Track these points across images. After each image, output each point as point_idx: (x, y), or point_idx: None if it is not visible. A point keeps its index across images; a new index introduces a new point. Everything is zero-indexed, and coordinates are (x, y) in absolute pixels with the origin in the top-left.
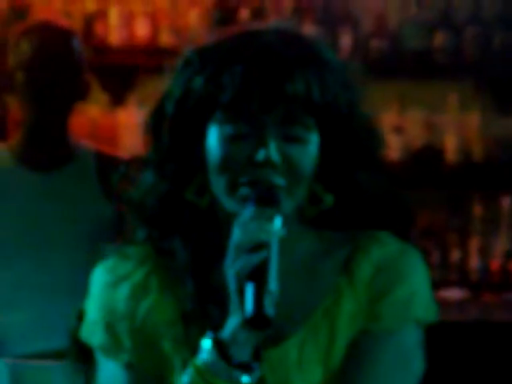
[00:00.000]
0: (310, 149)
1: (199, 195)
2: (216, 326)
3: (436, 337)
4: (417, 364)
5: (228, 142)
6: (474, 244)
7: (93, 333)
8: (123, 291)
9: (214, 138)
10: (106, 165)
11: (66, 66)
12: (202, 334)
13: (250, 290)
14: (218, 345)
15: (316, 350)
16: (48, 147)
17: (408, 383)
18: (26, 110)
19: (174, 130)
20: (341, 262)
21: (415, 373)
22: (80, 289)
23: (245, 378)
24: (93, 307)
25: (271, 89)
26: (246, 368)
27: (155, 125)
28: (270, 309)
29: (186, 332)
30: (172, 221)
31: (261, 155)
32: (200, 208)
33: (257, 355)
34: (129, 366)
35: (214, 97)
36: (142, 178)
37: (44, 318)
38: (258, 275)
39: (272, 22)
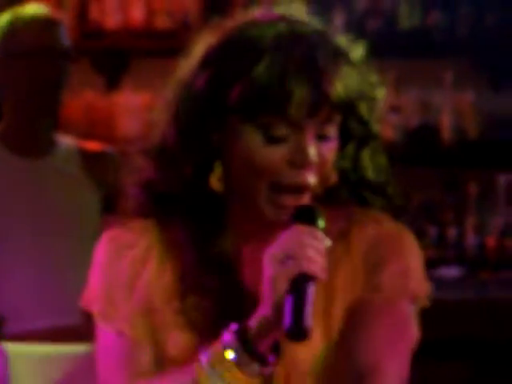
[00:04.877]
0: (335, 143)
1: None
2: (222, 303)
3: (432, 315)
4: (412, 333)
5: (268, 144)
6: (470, 222)
7: (93, 300)
8: (124, 260)
9: (252, 140)
10: (89, 157)
11: (60, 59)
12: (198, 306)
13: (290, 302)
14: (242, 333)
15: (316, 315)
16: (33, 134)
17: (403, 350)
18: (16, 99)
19: (202, 117)
20: (337, 235)
21: (410, 341)
22: (71, 268)
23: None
24: (95, 275)
25: (317, 94)
26: (262, 360)
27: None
28: (308, 321)
29: (182, 303)
30: (182, 200)
31: (302, 158)
32: (216, 193)
33: (276, 349)
34: (123, 335)
35: (255, 101)
36: (160, 161)
37: (38, 297)
38: (299, 289)
39: (281, 10)
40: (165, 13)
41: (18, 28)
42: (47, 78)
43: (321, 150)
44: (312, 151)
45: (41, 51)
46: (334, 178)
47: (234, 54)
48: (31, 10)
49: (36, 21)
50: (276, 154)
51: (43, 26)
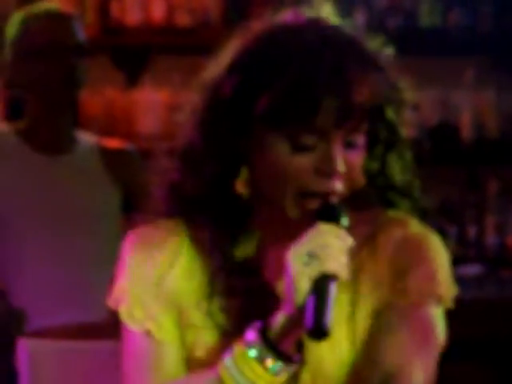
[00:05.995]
0: (363, 151)
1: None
2: (247, 305)
3: (452, 313)
4: (438, 337)
5: (295, 152)
6: (491, 220)
7: (120, 299)
8: (153, 260)
9: (279, 148)
10: (109, 154)
11: (74, 54)
12: (225, 307)
13: (312, 302)
14: (265, 331)
15: (341, 319)
16: (54, 132)
17: (429, 354)
18: (34, 97)
19: (228, 123)
20: (363, 238)
21: (436, 345)
22: (92, 265)
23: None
24: (122, 274)
25: (345, 104)
26: (285, 358)
27: (211, 113)
28: (329, 320)
29: (210, 304)
30: (208, 202)
31: (329, 167)
32: (241, 197)
33: (299, 348)
34: (150, 335)
35: (282, 110)
36: (185, 163)
37: (60, 293)
38: (321, 289)
39: (309, 14)
40: (185, 10)
41: (29, 26)
42: (61, 75)
43: (348, 158)
44: (339, 160)
45: (53, 47)
46: (361, 182)
47: (263, 61)
48: (42, 7)
49: (46, 17)
50: (303, 163)
51: (54, 21)
